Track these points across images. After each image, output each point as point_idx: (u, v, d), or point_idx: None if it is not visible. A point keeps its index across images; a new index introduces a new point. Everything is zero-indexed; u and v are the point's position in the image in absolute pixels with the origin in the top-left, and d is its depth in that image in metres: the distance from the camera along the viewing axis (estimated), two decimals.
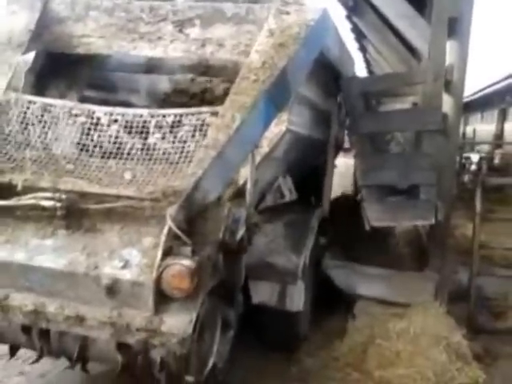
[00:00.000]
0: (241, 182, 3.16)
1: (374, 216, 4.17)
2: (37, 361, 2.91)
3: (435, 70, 4.18)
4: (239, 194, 3.14)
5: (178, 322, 2.48)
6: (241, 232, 2.93)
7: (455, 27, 4.64)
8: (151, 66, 3.90)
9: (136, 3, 3.64)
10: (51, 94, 3.73)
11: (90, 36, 3.66)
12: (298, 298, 3.88)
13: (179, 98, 4.54)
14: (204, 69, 3.76)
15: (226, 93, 4.82)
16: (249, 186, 3.09)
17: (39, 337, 2.74)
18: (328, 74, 4.52)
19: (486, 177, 4.84)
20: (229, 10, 3.48)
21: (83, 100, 3.77)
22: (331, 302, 4.80)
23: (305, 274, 4.01)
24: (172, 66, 3.83)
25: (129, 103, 4.05)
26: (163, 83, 4.84)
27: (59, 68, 3.79)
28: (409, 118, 4.30)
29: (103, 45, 3.61)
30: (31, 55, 3.67)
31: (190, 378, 2.64)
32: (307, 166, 5.01)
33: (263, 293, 3.83)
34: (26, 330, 2.74)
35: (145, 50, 3.54)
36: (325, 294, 4.75)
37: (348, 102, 4.26)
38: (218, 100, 4.72)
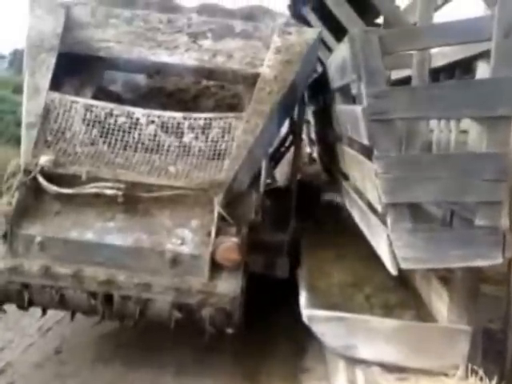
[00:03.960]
0: None
1: (407, 254, 2.70)
2: (99, 323, 3.51)
3: (507, 21, 2.62)
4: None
5: (228, 286, 3.22)
6: (260, 213, 3.69)
7: None
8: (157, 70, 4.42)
9: (154, 15, 4.18)
10: (66, 90, 4.17)
11: (110, 41, 4.15)
12: (284, 268, 4.67)
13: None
14: (208, 75, 4.35)
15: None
16: (263, 176, 3.85)
17: (103, 302, 3.34)
18: None
19: None
20: (237, 26, 4.14)
21: (96, 98, 4.26)
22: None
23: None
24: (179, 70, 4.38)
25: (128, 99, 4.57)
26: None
27: (73, 68, 4.22)
28: (467, 97, 2.64)
29: (122, 49, 4.12)
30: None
31: (230, 330, 3.39)
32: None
33: (256, 263, 4.56)
34: (93, 296, 3.33)
35: (162, 57, 4.11)
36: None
37: (363, 70, 2.66)
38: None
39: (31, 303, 3.43)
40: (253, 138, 3.55)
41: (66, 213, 3.41)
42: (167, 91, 5.06)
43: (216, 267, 3.25)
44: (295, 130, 5.53)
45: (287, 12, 7.68)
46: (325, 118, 5.02)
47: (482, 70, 2.94)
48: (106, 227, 3.34)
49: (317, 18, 5.65)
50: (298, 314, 3.39)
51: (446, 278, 3.32)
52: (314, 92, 5.86)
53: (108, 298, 3.33)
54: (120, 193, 3.35)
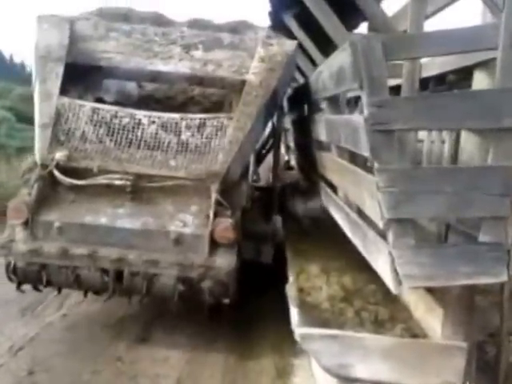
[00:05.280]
0: None
1: (410, 271, 2.57)
2: (108, 299, 3.94)
3: None
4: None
5: (225, 260, 3.72)
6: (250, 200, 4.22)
7: None
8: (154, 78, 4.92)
9: (151, 28, 4.69)
10: (72, 96, 4.62)
11: (111, 52, 4.63)
12: (268, 255, 5.19)
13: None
14: (199, 82, 4.86)
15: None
16: (251, 169, 4.37)
17: (114, 279, 3.79)
18: None
19: None
20: (225, 38, 4.68)
21: (98, 102, 4.72)
22: None
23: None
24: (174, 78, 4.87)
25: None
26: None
27: (77, 76, 4.68)
28: (472, 107, 2.51)
29: (122, 60, 4.60)
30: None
31: (227, 301, 3.87)
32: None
33: (246, 250, 5.05)
34: (105, 274, 3.78)
35: (158, 66, 4.61)
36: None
37: (365, 78, 2.50)
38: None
39: (48, 283, 3.86)
40: (243, 135, 4.07)
41: (80, 201, 3.87)
42: (156, 99, 5.56)
43: (214, 245, 3.74)
44: (275, 135, 6.09)
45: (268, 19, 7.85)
46: (306, 126, 5.15)
47: (480, 80, 2.91)
48: (116, 213, 3.81)
49: (298, 25, 5.87)
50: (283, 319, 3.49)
51: (436, 291, 3.24)
52: (295, 101, 6.20)
53: (119, 275, 3.79)
54: (128, 183, 3.83)
